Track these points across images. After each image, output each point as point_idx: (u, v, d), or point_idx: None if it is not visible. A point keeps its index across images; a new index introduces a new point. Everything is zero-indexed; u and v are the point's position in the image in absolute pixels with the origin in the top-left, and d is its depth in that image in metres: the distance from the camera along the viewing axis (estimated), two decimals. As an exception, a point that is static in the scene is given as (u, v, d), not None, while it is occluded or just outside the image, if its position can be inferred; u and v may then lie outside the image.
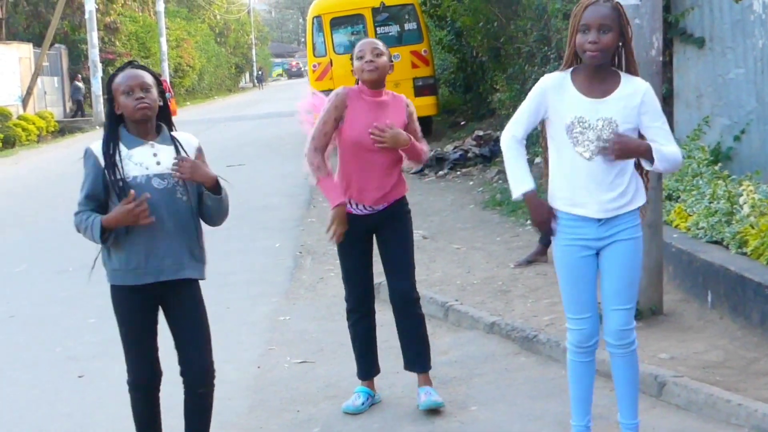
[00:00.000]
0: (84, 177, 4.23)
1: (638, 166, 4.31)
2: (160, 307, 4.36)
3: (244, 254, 9.87)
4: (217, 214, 4.35)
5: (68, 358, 6.92)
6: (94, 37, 35.50)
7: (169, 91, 37.45)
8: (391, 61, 5.27)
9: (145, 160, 4.18)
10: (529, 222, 10.31)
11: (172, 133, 4.33)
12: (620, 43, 4.19)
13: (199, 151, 4.35)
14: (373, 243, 5.39)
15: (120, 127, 4.22)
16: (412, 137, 5.19)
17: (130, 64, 4.32)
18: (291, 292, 8.47)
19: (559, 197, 4.30)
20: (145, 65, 4.37)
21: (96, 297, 8.42)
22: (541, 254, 8.43)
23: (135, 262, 4.20)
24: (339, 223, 5.17)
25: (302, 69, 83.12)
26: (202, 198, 4.30)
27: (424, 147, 5.37)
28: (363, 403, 5.37)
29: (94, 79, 35.63)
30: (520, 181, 4.29)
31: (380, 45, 5.23)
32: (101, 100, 35.80)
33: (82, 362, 6.75)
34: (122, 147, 4.19)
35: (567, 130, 4.20)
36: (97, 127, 34.07)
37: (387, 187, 5.22)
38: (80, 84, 38.99)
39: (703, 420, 4.90)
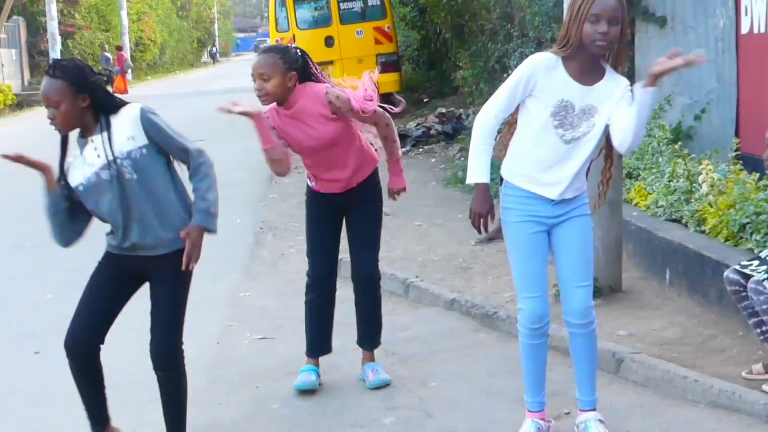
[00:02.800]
0: None
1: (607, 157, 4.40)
2: (143, 283, 4.40)
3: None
4: None
5: (25, 334, 6.85)
6: (53, 9, 34.98)
7: (120, 65, 36.91)
8: (292, 71, 4.90)
9: (90, 158, 4.22)
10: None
11: (111, 117, 4.21)
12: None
13: (143, 117, 4.19)
14: (343, 222, 5.37)
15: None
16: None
17: (53, 66, 4.20)
18: (251, 268, 8.45)
19: (518, 173, 4.29)
20: (64, 63, 4.21)
21: (54, 273, 8.36)
22: (501, 231, 8.44)
23: (116, 242, 4.30)
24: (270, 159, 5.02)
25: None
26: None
27: (392, 137, 5.23)
28: (316, 379, 5.35)
29: (53, 52, 35.09)
30: (477, 170, 4.26)
31: (267, 66, 4.88)
32: (60, 73, 35.37)
33: (40, 338, 6.68)
34: (77, 152, 4.27)
35: (553, 110, 4.19)
36: (57, 100, 33.67)
37: (347, 173, 5.15)
38: (109, 54, 38.35)
39: (660, 396, 4.94)
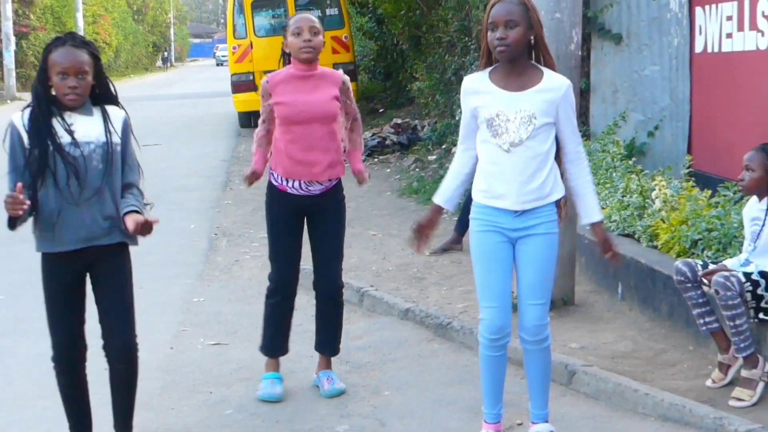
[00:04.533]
0: (8, 152, 4.17)
1: (557, 158, 4.36)
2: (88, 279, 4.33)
3: (159, 235, 9.54)
4: None
5: (-25, 335, 6.77)
6: (7, 9, 34.65)
7: None
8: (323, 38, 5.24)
9: (59, 130, 4.13)
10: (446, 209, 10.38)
11: (106, 106, 4.26)
12: (533, 39, 4.23)
13: (126, 124, 4.30)
14: (304, 227, 5.35)
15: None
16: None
17: (72, 38, 4.18)
18: (205, 273, 8.42)
19: (479, 190, 4.36)
20: (84, 38, 4.26)
21: (4, 273, 8.28)
22: (456, 243, 8.51)
23: (52, 230, 4.16)
24: (250, 176, 5.23)
25: (217, 54, 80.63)
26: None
27: (359, 131, 5.45)
28: (281, 391, 5.31)
29: (7, 52, 34.76)
30: (438, 192, 4.54)
31: (317, 22, 5.18)
32: (14, 74, 35.03)
33: (-10, 339, 6.62)
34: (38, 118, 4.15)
35: (488, 124, 4.26)
36: (9, 101, 33.33)
37: (324, 162, 5.16)
38: None
39: (611, 408, 4.99)
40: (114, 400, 4.42)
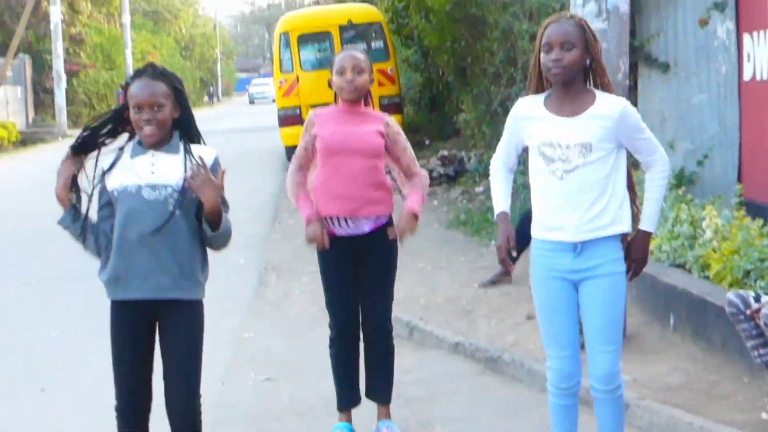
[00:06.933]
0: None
1: (631, 189, 4.20)
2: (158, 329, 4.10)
3: (209, 269, 9.79)
4: (214, 243, 4.07)
5: (31, 371, 6.85)
6: (59, 47, 35.32)
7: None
8: (371, 76, 5.09)
9: (141, 169, 3.92)
10: (493, 242, 10.36)
11: (192, 145, 4.01)
12: (589, 61, 4.10)
13: (216, 165, 4.00)
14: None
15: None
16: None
17: (152, 68, 4.01)
18: (255, 308, 8.46)
19: (536, 223, 4.17)
20: (165, 69, 4.06)
21: (59, 310, 8.39)
22: (505, 275, 8.48)
23: (117, 276, 3.97)
24: (313, 234, 4.95)
25: (250, 90, 76.84)
26: (199, 218, 3.98)
27: (420, 174, 5.19)
28: None
29: (58, 90, 35.41)
30: (495, 202, 4.31)
31: (362, 60, 5.02)
32: (65, 111, 35.58)
33: (45, 376, 6.70)
34: (125, 156, 3.99)
35: (540, 151, 4.08)
36: (60, 138, 33.83)
37: (364, 197, 4.97)
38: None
39: (665, 442, 4.95)
40: None
